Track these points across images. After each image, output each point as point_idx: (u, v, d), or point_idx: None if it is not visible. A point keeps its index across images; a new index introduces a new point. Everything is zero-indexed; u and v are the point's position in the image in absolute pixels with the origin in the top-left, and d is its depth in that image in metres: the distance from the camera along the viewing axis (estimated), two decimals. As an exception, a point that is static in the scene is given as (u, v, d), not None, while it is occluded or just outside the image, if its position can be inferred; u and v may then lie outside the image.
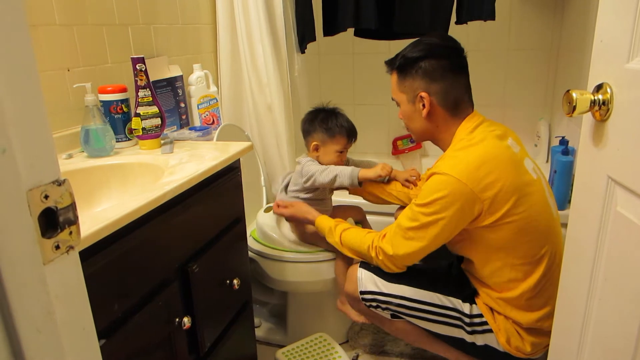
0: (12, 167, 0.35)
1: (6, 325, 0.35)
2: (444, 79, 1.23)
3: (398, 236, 1.22)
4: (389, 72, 1.33)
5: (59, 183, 0.40)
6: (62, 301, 0.40)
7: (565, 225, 1.71)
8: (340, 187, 1.52)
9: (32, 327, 0.37)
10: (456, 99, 1.25)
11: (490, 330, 1.24)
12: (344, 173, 1.46)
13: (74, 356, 0.41)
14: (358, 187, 1.49)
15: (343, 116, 1.55)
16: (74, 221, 0.41)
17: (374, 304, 1.31)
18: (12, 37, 0.35)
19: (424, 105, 1.25)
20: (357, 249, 1.32)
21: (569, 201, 1.77)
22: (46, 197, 0.38)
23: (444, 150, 1.30)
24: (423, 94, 1.24)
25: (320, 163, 1.54)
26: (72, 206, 0.41)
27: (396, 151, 2.57)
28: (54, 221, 0.39)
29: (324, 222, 1.43)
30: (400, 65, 1.27)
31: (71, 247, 0.41)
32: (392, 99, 1.34)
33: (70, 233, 0.41)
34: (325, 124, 1.51)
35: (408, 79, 1.26)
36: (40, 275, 0.38)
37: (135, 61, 1.24)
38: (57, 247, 0.40)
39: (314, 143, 1.53)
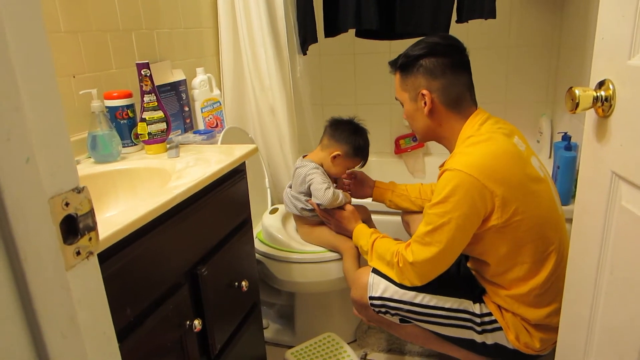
0: (35, 176, 0.36)
1: (32, 331, 0.36)
2: (444, 76, 1.24)
3: (417, 243, 1.21)
4: (392, 72, 1.34)
5: (79, 190, 0.41)
6: (84, 306, 0.41)
7: (569, 220, 1.71)
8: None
9: (57, 332, 0.38)
10: (458, 97, 1.26)
11: (499, 328, 1.24)
12: (342, 197, 1.50)
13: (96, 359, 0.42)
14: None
15: (368, 140, 1.59)
16: (93, 227, 0.42)
17: (383, 309, 1.30)
18: (33, 49, 0.36)
19: (425, 103, 1.25)
20: (383, 255, 1.31)
21: (573, 196, 1.78)
22: (67, 204, 0.39)
23: (450, 149, 1.31)
24: (424, 92, 1.24)
25: (325, 169, 1.56)
26: (91, 213, 0.42)
27: (399, 150, 2.58)
28: (74, 228, 0.40)
29: (363, 230, 1.45)
30: (402, 65, 1.28)
31: (91, 253, 0.42)
32: (396, 99, 1.35)
33: (90, 239, 0.42)
34: (358, 142, 1.54)
35: (410, 78, 1.27)
36: (64, 281, 0.39)
37: (140, 67, 1.26)
38: (78, 253, 0.41)
39: (337, 152, 1.53)
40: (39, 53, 0.37)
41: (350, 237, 1.50)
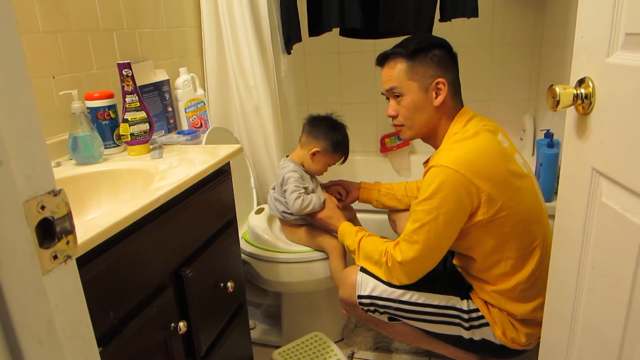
0: (9, 179, 0.35)
1: (7, 337, 0.35)
2: (453, 69, 1.26)
3: (404, 242, 1.21)
4: (382, 64, 1.29)
5: (55, 193, 0.40)
6: (61, 311, 0.40)
7: (552, 216, 1.74)
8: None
9: (33, 338, 0.37)
10: (457, 92, 1.28)
11: (486, 324, 1.26)
12: (315, 202, 1.49)
13: (75, 365, 0.41)
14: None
15: (347, 135, 1.57)
16: (70, 231, 0.42)
17: (372, 308, 1.30)
18: (4, 49, 0.35)
19: (437, 94, 1.24)
20: (371, 255, 1.30)
21: (555, 193, 1.80)
22: (42, 207, 0.39)
23: (435, 147, 1.31)
24: (441, 80, 1.23)
25: (305, 168, 1.55)
26: (69, 216, 0.41)
27: (384, 149, 2.58)
28: (51, 231, 0.40)
29: (348, 228, 1.44)
30: (414, 51, 1.24)
31: (69, 257, 0.41)
32: (389, 90, 1.29)
33: (68, 242, 0.41)
34: (336, 138, 1.53)
35: (422, 66, 1.23)
36: (40, 286, 0.38)
37: (121, 67, 1.24)
38: (55, 257, 0.40)
39: (316, 149, 1.52)
40: (11, 53, 0.36)
41: (336, 235, 1.50)
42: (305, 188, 1.53)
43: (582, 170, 0.81)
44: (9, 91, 0.36)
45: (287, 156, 1.60)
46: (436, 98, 1.24)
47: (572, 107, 0.81)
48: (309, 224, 1.58)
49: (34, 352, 0.37)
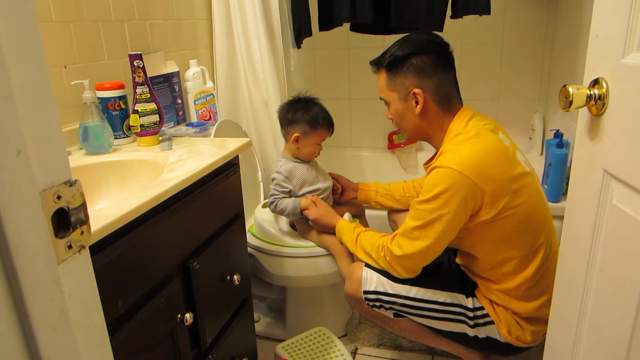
0: (27, 169, 0.35)
1: (22, 325, 0.36)
2: (435, 75, 1.23)
3: (404, 237, 1.22)
4: (375, 71, 1.33)
5: (71, 184, 0.40)
6: (75, 300, 0.40)
7: (559, 217, 1.73)
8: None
9: (47, 326, 0.37)
10: (447, 94, 1.26)
11: (491, 322, 1.26)
12: (290, 208, 1.51)
13: (87, 354, 0.42)
14: (301, 216, 1.53)
15: (322, 106, 1.54)
16: (85, 221, 0.42)
17: (378, 303, 1.31)
18: (24, 38, 0.35)
19: (416, 102, 1.24)
20: (369, 250, 1.32)
21: (564, 194, 1.79)
22: (59, 197, 0.39)
23: (436, 147, 1.31)
24: (417, 91, 1.23)
25: (297, 156, 1.55)
26: (83, 206, 0.42)
27: (392, 145, 2.58)
28: (66, 221, 0.40)
29: (344, 225, 1.45)
30: (390, 63, 1.26)
31: (83, 247, 0.42)
32: (380, 99, 1.33)
33: (82, 233, 0.41)
34: (308, 115, 1.49)
35: (399, 77, 1.25)
36: (55, 275, 0.38)
37: (132, 58, 1.24)
38: (70, 247, 0.40)
39: (295, 135, 1.51)
40: (31, 42, 0.36)
41: (333, 234, 1.51)
42: (288, 192, 1.54)
43: (593, 171, 0.81)
44: (30, 82, 0.36)
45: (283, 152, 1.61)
46: (416, 106, 1.25)
47: (585, 107, 0.80)
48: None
49: (47, 340, 0.37)
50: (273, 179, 1.55)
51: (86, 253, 0.43)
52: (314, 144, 1.54)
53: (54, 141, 0.39)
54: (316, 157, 1.59)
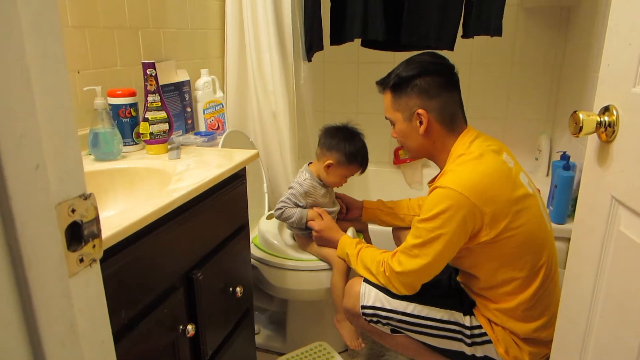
0: (44, 182, 0.36)
1: (31, 338, 0.36)
2: (440, 96, 1.24)
3: (404, 254, 1.22)
4: (381, 92, 1.34)
5: (85, 197, 0.41)
6: (84, 314, 0.40)
7: (563, 239, 1.72)
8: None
9: (56, 340, 0.37)
10: (452, 115, 1.27)
11: (489, 341, 1.25)
12: (296, 217, 1.51)
13: (93, 368, 0.42)
14: (305, 227, 1.54)
15: (365, 144, 1.54)
16: (97, 234, 0.42)
17: (375, 319, 1.31)
18: (49, 53, 0.36)
19: (421, 123, 1.25)
20: (369, 266, 1.32)
21: (569, 216, 1.79)
22: (73, 211, 0.39)
23: (440, 166, 1.32)
24: (421, 111, 1.24)
25: (323, 180, 1.55)
26: (96, 220, 0.42)
27: (397, 161, 2.58)
28: (78, 234, 0.40)
29: (347, 240, 1.46)
30: (395, 84, 1.28)
31: (94, 260, 0.42)
32: (386, 118, 1.35)
33: (94, 246, 0.42)
34: (350, 148, 1.50)
35: (403, 98, 1.27)
36: (65, 289, 0.38)
37: (146, 66, 1.25)
38: (81, 260, 0.40)
39: (329, 161, 1.51)
40: (55, 57, 0.37)
41: (335, 249, 1.51)
42: (299, 206, 1.53)
43: (601, 197, 0.81)
44: (51, 96, 0.36)
45: (309, 164, 1.60)
46: (420, 127, 1.26)
47: (595, 134, 0.81)
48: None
49: (56, 354, 0.37)
50: (291, 188, 1.54)
51: (97, 267, 0.43)
52: (342, 176, 1.54)
53: (71, 154, 0.39)
54: (337, 187, 1.60)
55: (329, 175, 1.53)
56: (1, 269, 0.33)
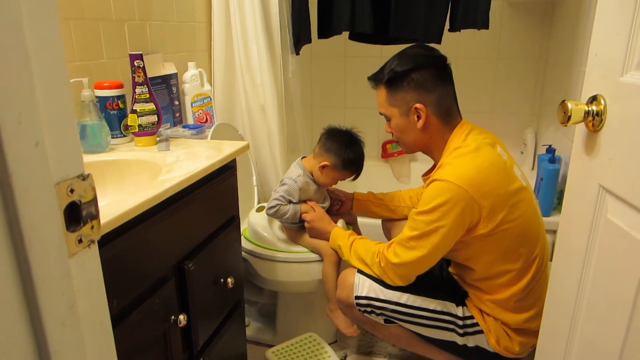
0: (43, 160, 0.35)
1: (32, 318, 0.36)
2: (436, 89, 1.24)
3: (400, 245, 1.22)
4: (373, 87, 1.32)
5: (84, 177, 0.40)
6: (84, 294, 0.40)
7: (549, 231, 1.75)
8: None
9: (57, 320, 0.37)
10: (448, 108, 1.27)
11: (481, 332, 1.27)
12: (291, 213, 1.52)
13: (93, 349, 0.42)
14: (298, 221, 1.55)
15: (363, 153, 1.55)
16: (95, 215, 0.42)
17: (369, 309, 1.31)
18: (47, 34, 0.35)
19: (419, 117, 1.25)
20: (363, 257, 1.32)
21: (554, 208, 1.81)
22: (72, 190, 0.39)
23: (435, 160, 1.32)
24: (419, 106, 1.23)
25: (315, 178, 1.56)
26: (94, 201, 0.42)
27: (385, 154, 2.59)
28: (77, 215, 0.40)
29: (339, 232, 1.46)
30: (390, 80, 1.26)
31: (92, 241, 0.42)
32: (381, 114, 1.33)
33: (92, 227, 0.41)
34: (349, 154, 1.50)
35: (400, 93, 1.25)
36: (65, 269, 0.38)
37: (133, 58, 1.24)
38: (80, 241, 0.40)
39: (325, 163, 1.51)
40: (52, 38, 0.36)
41: (327, 240, 1.51)
42: (293, 202, 1.54)
43: (588, 186, 0.82)
44: (49, 74, 0.36)
45: (302, 158, 1.60)
46: (418, 121, 1.25)
47: (582, 123, 0.82)
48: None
49: (56, 334, 0.37)
50: (284, 184, 1.54)
51: (95, 248, 0.43)
52: (334, 179, 1.55)
53: (69, 134, 0.39)
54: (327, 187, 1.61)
55: (322, 176, 1.54)
56: (2, 249, 0.33)
